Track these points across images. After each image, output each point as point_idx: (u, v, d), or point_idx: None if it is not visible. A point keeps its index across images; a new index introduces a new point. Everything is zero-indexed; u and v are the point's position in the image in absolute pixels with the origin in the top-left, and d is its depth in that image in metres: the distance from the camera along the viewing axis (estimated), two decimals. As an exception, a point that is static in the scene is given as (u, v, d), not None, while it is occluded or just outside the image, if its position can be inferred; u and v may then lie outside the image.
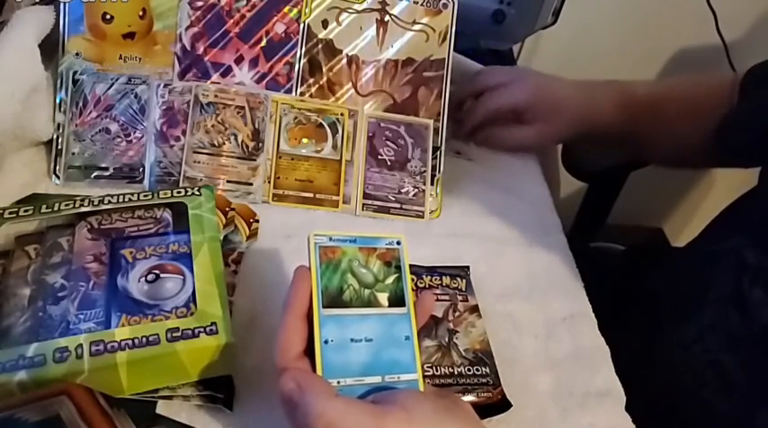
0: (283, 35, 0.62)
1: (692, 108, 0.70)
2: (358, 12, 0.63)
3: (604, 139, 0.74)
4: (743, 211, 0.62)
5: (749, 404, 0.54)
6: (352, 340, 0.40)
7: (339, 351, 0.39)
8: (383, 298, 0.42)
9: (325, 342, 0.39)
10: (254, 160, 0.61)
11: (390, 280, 0.42)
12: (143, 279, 0.47)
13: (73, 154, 0.59)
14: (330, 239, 0.42)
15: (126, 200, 0.50)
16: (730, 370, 0.55)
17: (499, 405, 0.49)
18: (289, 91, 0.63)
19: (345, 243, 0.42)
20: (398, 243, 0.44)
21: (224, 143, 0.60)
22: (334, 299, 0.40)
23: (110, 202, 0.50)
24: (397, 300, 0.42)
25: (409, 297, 0.42)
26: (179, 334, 0.42)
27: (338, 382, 0.38)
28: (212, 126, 0.60)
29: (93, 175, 0.59)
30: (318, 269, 0.41)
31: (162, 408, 0.44)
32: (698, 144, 0.68)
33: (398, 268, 0.43)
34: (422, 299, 0.44)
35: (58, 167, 0.58)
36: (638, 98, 0.71)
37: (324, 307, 0.40)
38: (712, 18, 1.05)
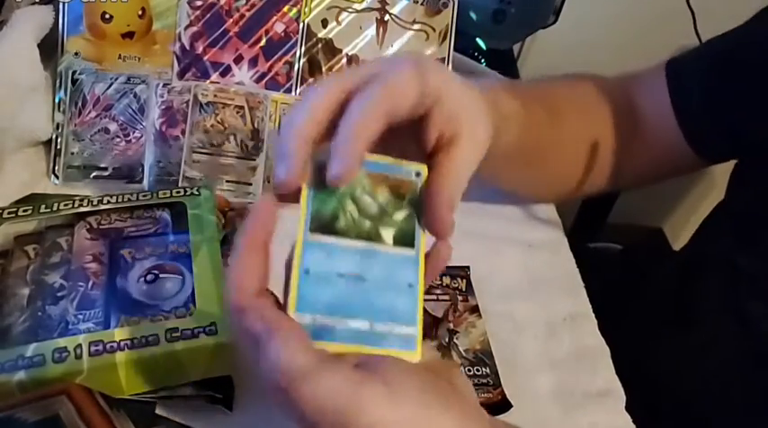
0: (283, 34, 0.62)
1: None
2: (358, 11, 0.63)
3: (501, 146, 0.45)
4: (730, 213, 0.62)
5: (747, 415, 0.54)
6: (339, 275, 0.33)
7: (321, 284, 0.33)
8: (387, 234, 0.34)
9: (306, 271, 0.32)
10: (254, 160, 0.61)
11: (400, 215, 0.35)
12: (142, 279, 0.47)
13: (72, 153, 0.59)
14: None
15: (125, 200, 0.50)
16: (727, 383, 0.55)
17: (499, 405, 0.49)
18: (288, 90, 0.62)
19: None
20: (418, 174, 0.36)
21: (223, 143, 0.60)
22: (326, 225, 0.33)
23: (109, 202, 0.50)
24: (404, 240, 0.35)
25: (421, 239, 0.35)
26: (178, 334, 0.42)
27: (313, 318, 0.32)
28: (211, 126, 0.60)
29: (92, 175, 0.59)
30: (311, 189, 0.34)
31: (161, 408, 0.44)
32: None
33: (412, 203, 0.35)
34: (437, 249, 0.35)
35: (57, 167, 0.58)
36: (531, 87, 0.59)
37: (311, 231, 0.33)
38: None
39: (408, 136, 0.36)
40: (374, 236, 0.34)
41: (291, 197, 0.33)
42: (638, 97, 0.60)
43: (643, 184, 0.65)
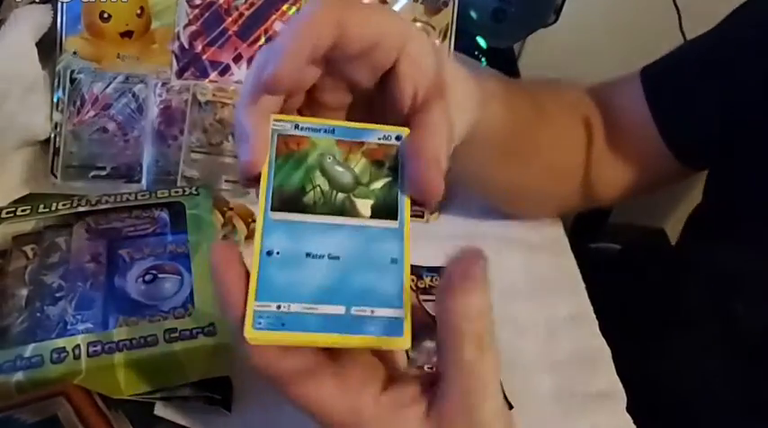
0: (282, 34, 0.62)
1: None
2: (357, 10, 0.63)
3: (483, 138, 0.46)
4: (709, 213, 0.61)
5: (736, 416, 0.54)
6: (308, 255, 0.29)
7: (287, 267, 0.29)
8: (364, 205, 0.31)
9: (268, 253, 0.29)
10: (253, 159, 0.61)
11: (378, 184, 0.31)
12: (141, 279, 0.47)
13: (70, 153, 0.58)
14: (296, 127, 0.31)
15: (123, 199, 0.50)
16: (716, 383, 0.56)
17: (499, 405, 0.48)
18: (288, 90, 0.62)
19: (319, 133, 0.32)
20: (398, 138, 0.32)
21: (222, 142, 0.60)
22: (290, 201, 0.30)
23: (107, 202, 0.50)
24: (385, 211, 0.31)
25: (405, 210, 0.31)
26: (177, 334, 0.42)
27: (278, 307, 0.28)
28: (210, 125, 0.60)
29: (90, 175, 0.59)
30: (273, 162, 0.31)
31: (160, 409, 0.44)
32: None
33: (393, 170, 0.32)
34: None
35: (55, 166, 0.58)
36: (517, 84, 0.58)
37: (273, 209, 0.30)
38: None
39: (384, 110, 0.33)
40: (349, 210, 0.30)
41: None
42: (615, 106, 0.59)
43: (630, 196, 0.63)
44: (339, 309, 0.29)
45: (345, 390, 0.29)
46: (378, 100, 0.33)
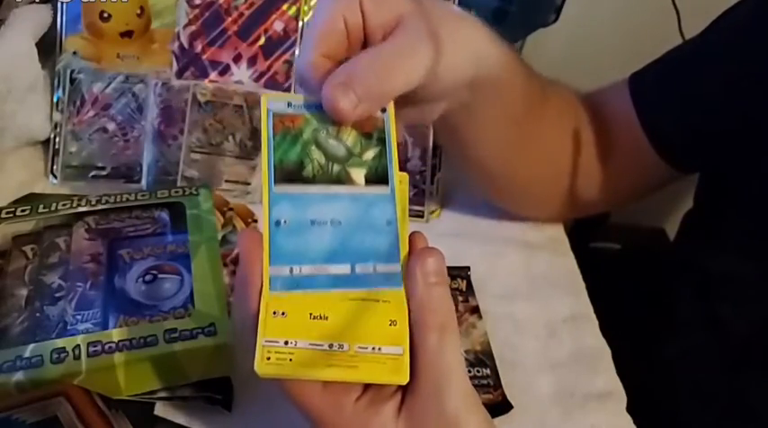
0: (282, 33, 0.62)
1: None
2: (357, 10, 0.63)
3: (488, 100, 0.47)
4: (699, 217, 0.62)
5: (728, 418, 0.54)
6: (312, 222, 0.33)
7: (295, 234, 0.32)
8: (358, 174, 0.34)
9: (276, 223, 0.32)
10: (253, 159, 0.60)
11: (370, 154, 0.35)
12: (141, 279, 0.47)
13: (70, 153, 0.58)
14: (289, 105, 0.35)
15: (123, 199, 0.50)
16: (703, 390, 0.56)
17: (500, 406, 0.49)
18: (288, 89, 0.62)
19: (310, 109, 0.35)
20: (383, 110, 0.35)
21: (222, 142, 0.60)
22: (291, 175, 0.33)
23: (107, 202, 0.50)
24: (377, 178, 0.34)
25: (394, 175, 0.35)
26: (177, 334, 0.41)
27: (291, 270, 0.32)
28: (210, 125, 0.60)
29: (90, 175, 0.58)
30: (271, 140, 0.34)
31: (160, 409, 0.44)
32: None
33: (382, 141, 0.35)
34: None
35: (55, 167, 0.58)
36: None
37: (276, 182, 0.33)
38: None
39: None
40: (345, 179, 0.34)
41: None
42: (606, 112, 0.59)
43: (626, 201, 0.63)
44: (344, 269, 0.32)
45: (331, 391, 0.33)
46: None
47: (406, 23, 0.36)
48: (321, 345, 0.31)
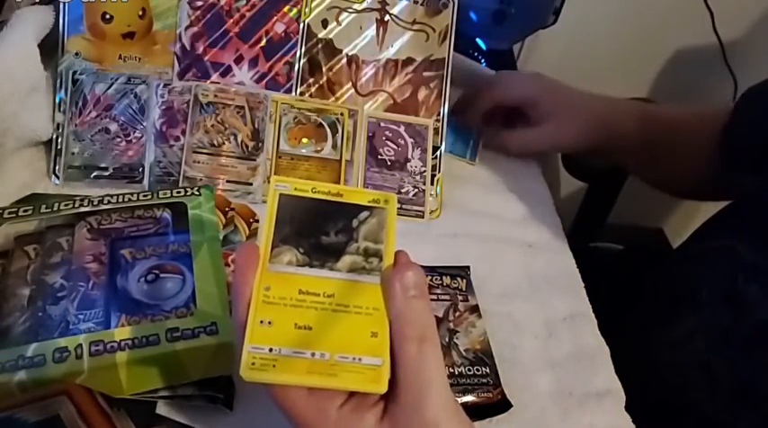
0: (283, 35, 0.62)
1: (699, 129, 0.67)
2: (358, 11, 0.63)
3: (620, 154, 0.70)
4: (738, 211, 0.62)
5: (733, 406, 0.54)
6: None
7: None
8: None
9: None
10: (254, 160, 0.61)
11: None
12: (143, 279, 0.47)
13: (72, 154, 0.59)
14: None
15: (125, 200, 0.50)
16: (717, 371, 0.56)
17: (499, 405, 0.49)
18: (288, 90, 0.62)
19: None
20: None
21: (224, 143, 0.60)
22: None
23: (109, 202, 0.50)
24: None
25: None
26: (179, 334, 0.42)
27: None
28: (212, 126, 0.60)
29: (92, 175, 0.59)
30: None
31: (162, 408, 0.44)
32: (704, 164, 0.67)
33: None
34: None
35: (57, 167, 0.58)
36: (656, 112, 0.69)
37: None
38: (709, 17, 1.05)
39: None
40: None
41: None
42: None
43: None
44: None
45: (315, 397, 0.34)
46: None
47: None
48: (304, 353, 0.33)
